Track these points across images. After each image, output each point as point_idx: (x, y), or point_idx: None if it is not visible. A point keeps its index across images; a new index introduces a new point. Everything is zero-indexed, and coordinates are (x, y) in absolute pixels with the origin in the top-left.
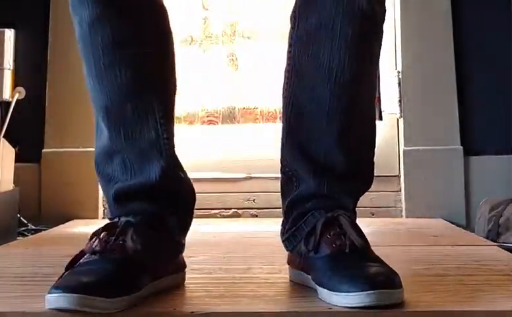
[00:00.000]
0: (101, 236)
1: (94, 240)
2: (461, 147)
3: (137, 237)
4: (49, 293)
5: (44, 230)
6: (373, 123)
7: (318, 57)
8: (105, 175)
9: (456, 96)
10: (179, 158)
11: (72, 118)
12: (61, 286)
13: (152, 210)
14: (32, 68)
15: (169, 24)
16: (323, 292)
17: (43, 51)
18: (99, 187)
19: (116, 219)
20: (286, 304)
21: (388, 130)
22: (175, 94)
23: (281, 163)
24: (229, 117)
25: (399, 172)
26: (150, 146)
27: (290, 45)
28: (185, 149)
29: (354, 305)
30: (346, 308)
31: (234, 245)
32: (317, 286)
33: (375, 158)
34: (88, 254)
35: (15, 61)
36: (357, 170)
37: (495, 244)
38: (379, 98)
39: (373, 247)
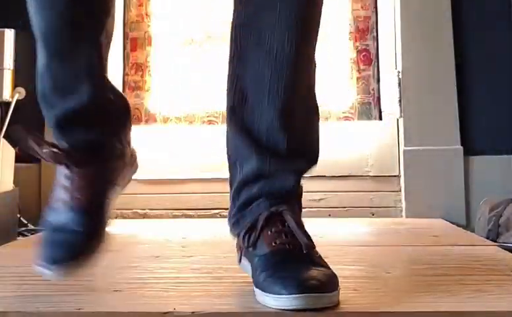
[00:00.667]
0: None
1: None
2: (461, 147)
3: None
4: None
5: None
6: (314, 103)
7: (259, 37)
8: (42, 98)
9: (456, 96)
10: (180, 158)
11: None
12: (46, 256)
13: (88, 135)
14: (32, 68)
15: None
16: (258, 293)
17: None
18: None
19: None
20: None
21: (388, 130)
22: (113, 22)
23: (226, 151)
24: None
25: (399, 172)
26: (81, 70)
27: (233, 29)
28: (185, 149)
29: (283, 308)
30: (276, 309)
31: (234, 245)
32: (254, 287)
33: (374, 157)
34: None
35: (15, 61)
36: (300, 148)
37: (495, 244)
38: (379, 98)
39: (373, 247)
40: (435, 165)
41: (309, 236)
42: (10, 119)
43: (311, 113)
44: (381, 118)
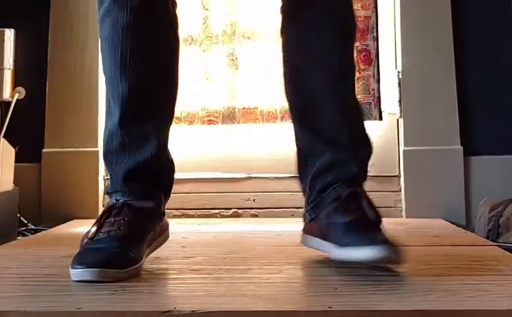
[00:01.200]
0: (104, 218)
1: (101, 220)
2: (461, 147)
3: (131, 215)
4: (72, 268)
5: (44, 230)
6: (357, 101)
7: (312, 53)
8: (108, 156)
9: (456, 96)
10: (180, 157)
11: (72, 118)
12: (84, 262)
13: (147, 188)
14: (31, 68)
15: (178, 34)
16: (340, 250)
17: (43, 51)
18: (99, 187)
19: (113, 199)
20: (285, 304)
21: (388, 130)
22: (176, 92)
23: (296, 146)
24: (229, 117)
25: (399, 172)
26: (150, 132)
27: (285, 49)
28: (185, 149)
29: (367, 258)
30: (360, 260)
31: (234, 245)
32: (333, 247)
33: (374, 157)
34: (96, 232)
35: (15, 61)
36: (359, 139)
37: (495, 244)
38: (379, 98)
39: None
40: (435, 165)
41: (377, 212)
42: (10, 119)
43: (359, 108)
44: (381, 118)
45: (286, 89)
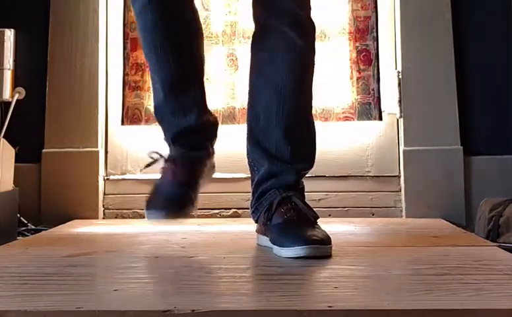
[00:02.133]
0: (167, 165)
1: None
2: (461, 147)
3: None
4: (147, 210)
5: (44, 230)
6: (310, 120)
7: (269, 77)
8: (161, 118)
9: (456, 96)
10: None
11: (72, 118)
12: (154, 207)
13: (194, 140)
14: (32, 68)
15: (200, 21)
16: (275, 249)
17: (43, 51)
18: (99, 187)
19: (171, 150)
20: (285, 303)
21: (388, 130)
22: (203, 70)
23: (247, 157)
24: (229, 117)
25: (399, 172)
26: (191, 102)
27: (251, 71)
28: None
29: (294, 256)
30: (290, 258)
31: (234, 245)
32: (272, 245)
33: (374, 157)
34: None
35: (15, 61)
36: (300, 155)
37: (495, 244)
38: (379, 98)
39: (373, 247)
40: (435, 165)
41: (312, 209)
42: (10, 119)
43: (308, 127)
44: (381, 118)
45: (247, 105)
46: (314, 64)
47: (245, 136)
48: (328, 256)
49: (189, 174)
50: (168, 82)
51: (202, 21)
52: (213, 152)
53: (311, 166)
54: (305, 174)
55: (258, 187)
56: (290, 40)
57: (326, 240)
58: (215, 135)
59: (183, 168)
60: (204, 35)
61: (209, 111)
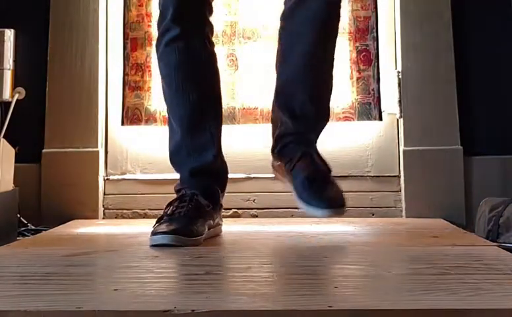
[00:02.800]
0: (176, 203)
1: (172, 205)
2: (461, 147)
3: (197, 203)
4: (153, 235)
5: (44, 230)
6: (330, 86)
7: (298, 47)
8: (177, 162)
9: (456, 96)
10: None
11: (72, 118)
12: (160, 232)
13: (208, 183)
14: (32, 68)
15: (216, 62)
16: (299, 202)
17: (43, 51)
18: (99, 187)
19: (183, 191)
20: (285, 303)
21: (388, 130)
22: (221, 109)
23: (271, 111)
24: (229, 117)
25: (399, 172)
26: (207, 141)
27: (280, 39)
28: None
29: (319, 216)
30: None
31: (234, 245)
32: (295, 194)
33: (374, 157)
34: (168, 214)
35: (15, 61)
36: (321, 116)
37: (495, 244)
38: (379, 98)
39: (373, 247)
40: (435, 165)
41: (327, 163)
42: (10, 119)
43: (329, 90)
44: (381, 118)
45: (275, 69)
46: (337, 35)
47: (253, 135)
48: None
49: (195, 213)
50: (187, 120)
51: None
52: (221, 208)
53: (328, 121)
54: (322, 130)
55: (281, 140)
56: (320, 9)
57: (342, 201)
58: (225, 185)
59: (192, 206)
60: None
61: (222, 157)
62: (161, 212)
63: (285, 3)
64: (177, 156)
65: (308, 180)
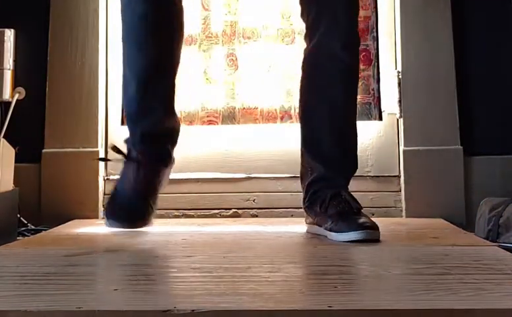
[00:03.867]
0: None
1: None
2: (461, 147)
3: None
4: (108, 219)
5: (44, 230)
6: (356, 130)
7: (322, 94)
8: (129, 116)
9: (456, 96)
10: (180, 157)
11: (72, 118)
12: (115, 218)
13: (158, 146)
14: (32, 68)
15: (183, 23)
16: (332, 235)
17: (43, 51)
18: (99, 187)
19: (133, 155)
20: (285, 302)
21: (388, 130)
22: (178, 68)
23: (301, 161)
24: (229, 117)
25: (399, 172)
26: (160, 99)
27: (302, 87)
28: (185, 149)
29: (351, 239)
30: (346, 242)
31: (234, 245)
32: (327, 232)
33: (374, 157)
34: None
35: (15, 61)
36: (349, 162)
37: (495, 243)
38: (379, 98)
39: (373, 247)
40: (435, 165)
41: (358, 202)
42: (10, 119)
43: (356, 136)
44: (381, 118)
45: (300, 117)
46: (358, 79)
47: (253, 135)
48: (378, 240)
49: (150, 184)
50: (144, 74)
51: (202, 21)
52: (173, 161)
53: (356, 168)
54: (352, 175)
55: (312, 186)
56: (343, 62)
57: (375, 226)
58: (176, 142)
59: (145, 178)
60: (204, 35)
61: (175, 115)
62: (162, 212)
63: (306, 23)
64: (129, 109)
65: (340, 214)
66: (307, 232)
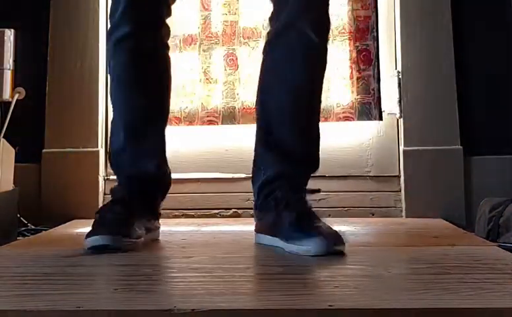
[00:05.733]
0: (110, 205)
1: (107, 207)
2: (461, 147)
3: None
4: (87, 238)
5: (44, 230)
6: (318, 126)
7: (285, 77)
8: (117, 165)
9: (456, 96)
10: (180, 157)
11: (72, 118)
12: (94, 233)
13: (146, 190)
14: (32, 68)
15: (170, 72)
16: (288, 246)
17: (43, 51)
18: (99, 187)
19: (121, 194)
20: (285, 302)
21: (388, 130)
22: (167, 117)
23: (254, 158)
24: (229, 117)
25: (399, 172)
26: (150, 152)
27: (263, 70)
28: (185, 149)
29: (312, 253)
30: (306, 255)
31: (234, 245)
32: (284, 243)
33: (374, 157)
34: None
35: (15, 61)
36: (311, 158)
37: (495, 243)
38: (379, 98)
39: (373, 247)
40: (435, 165)
41: (309, 206)
42: (10, 119)
43: (318, 130)
44: (381, 118)
45: (256, 105)
46: (325, 63)
47: (253, 135)
48: (342, 253)
49: (130, 219)
50: (131, 125)
51: (202, 21)
52: (159, 213)
53: (318, 168)
54: (310, 176)
55: (265, 187)
56: (310, 40)
57: (340, 237)
58: (167, 192)
59: (128, 215)
60: (204, 35)
61: (167, 166)
62: (162, 212)
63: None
64: (117, 159)
65: (298, 222)
66: (256, 242)
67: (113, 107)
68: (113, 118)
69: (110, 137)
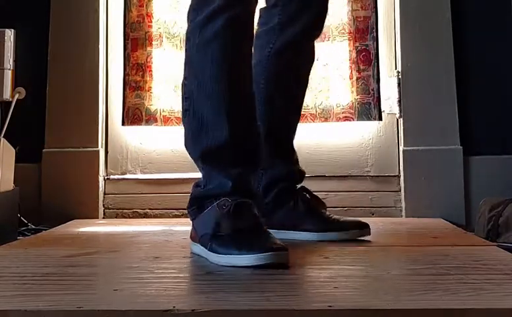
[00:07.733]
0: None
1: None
2: (461, 147)
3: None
4: (245, 254)
5: (44, 230)
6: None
7: (287, 90)
8: (215, 164)
9: (456, 96)
10: (180, 157)
11: (72, 118)
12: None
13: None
14: (32, 68)
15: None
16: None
17: (43, 51)
18: (100, 187)
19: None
20: (285, 302)
21: (388, 130)
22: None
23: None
24: None
25: (399, 172)
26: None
27: (267, 78)
28: (185, 149)
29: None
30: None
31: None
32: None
33: (373, 157)
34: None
35: (15, 61)
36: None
37: (495, 244)
38: (379, 98)
39: (373, 247)
40: (435, 165)
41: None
42: (10, 119)
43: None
44: (381, 118)
45: (260, 115)
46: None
47: None
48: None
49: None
50: (239, 116)
51: None
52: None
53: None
54: None
55: (274, 187)
56: (308, 54)
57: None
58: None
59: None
60: None
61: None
62: (162, 212)
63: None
64: (216, 158)
65: (311, 209)
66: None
67: (199, 97)
68: (192, 113)
69: (198, 134)
